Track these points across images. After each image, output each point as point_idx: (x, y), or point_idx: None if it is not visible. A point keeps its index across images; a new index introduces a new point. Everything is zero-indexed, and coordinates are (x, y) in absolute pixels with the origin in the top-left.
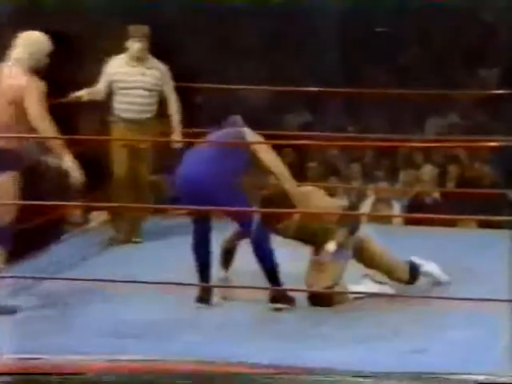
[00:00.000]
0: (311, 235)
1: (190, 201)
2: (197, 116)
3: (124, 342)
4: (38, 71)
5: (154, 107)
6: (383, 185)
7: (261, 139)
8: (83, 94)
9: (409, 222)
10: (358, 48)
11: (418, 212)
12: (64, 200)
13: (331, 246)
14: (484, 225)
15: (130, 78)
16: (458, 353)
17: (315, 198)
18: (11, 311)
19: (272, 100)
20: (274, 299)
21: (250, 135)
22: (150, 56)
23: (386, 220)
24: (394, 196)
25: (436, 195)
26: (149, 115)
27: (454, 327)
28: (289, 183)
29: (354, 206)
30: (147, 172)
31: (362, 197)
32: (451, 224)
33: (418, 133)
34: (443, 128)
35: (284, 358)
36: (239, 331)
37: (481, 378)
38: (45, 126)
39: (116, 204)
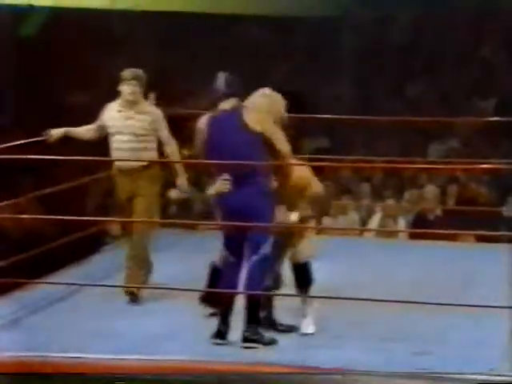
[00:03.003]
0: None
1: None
2: None
3: None
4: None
5: (150, 154)
6: (390, 202)
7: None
8: (55, 133)
9: (413, 236)
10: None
11: (422, 227)
12: None
13: (293, 217)
14: (481, 239)
15: (118, 123)
16: (461, 353)
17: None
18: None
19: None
20: (247, 339)
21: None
22: (143, 100)
23: (393, 234)
24: (400, 212)
25: (438, 212)
26: (143, 163)
27: (457, 329)
28: (283, 148)
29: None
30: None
31: (370, 213)
32: (451, 238)
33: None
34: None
35: (296, 358)
36: None
37: (481, 378)
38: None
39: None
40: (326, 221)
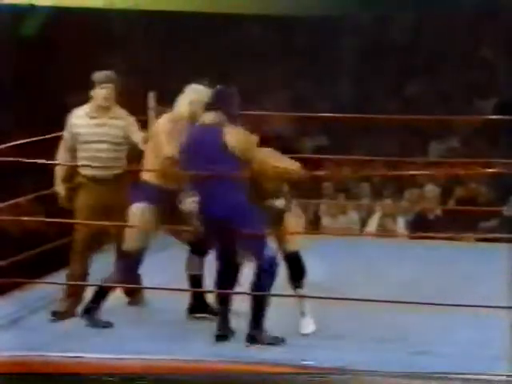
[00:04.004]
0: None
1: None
2: None
3: None
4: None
5: (123, 162)
6: (389, 202)
7: (239, 135)
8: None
9: (413, 236)
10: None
11: (422, 227)
12: None
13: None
14: (481, 239)
15: (91, 130)
16: (461, 353)
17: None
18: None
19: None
20: (252, 338)
21: (230, 132)
22: (116, 105)
23: (392, 234)
24: (399, 212)
25: (438, 212)
26: (117, 171)
27: (457, 329)
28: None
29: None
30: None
31: (370, 212)
32: (451, 238)
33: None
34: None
35: (296, 357)
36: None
37: (481, 378)
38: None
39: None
40: (326, 220)
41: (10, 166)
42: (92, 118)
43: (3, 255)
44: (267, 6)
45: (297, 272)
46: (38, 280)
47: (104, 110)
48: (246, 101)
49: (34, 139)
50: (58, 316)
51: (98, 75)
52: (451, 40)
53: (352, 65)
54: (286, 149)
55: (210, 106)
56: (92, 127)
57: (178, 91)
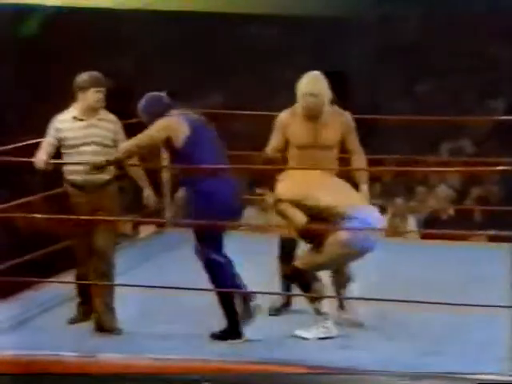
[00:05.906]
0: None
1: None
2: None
3: None
4: None
5: (112, 168)
6: (399, 202)
7: None
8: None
9: (424, 236)
10: None
11: (434, 227)
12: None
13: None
14: (493, 239)
15: (78, 132)
16: (467, 353)
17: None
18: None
19: None
20: (218, 336)
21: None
22: (103, 108)
23: (402, 234)
24: (411, 212)
25: (451, 212)
26: (107, 177)
27: (466, 330)
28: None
29: None
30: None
31: (382, 213)
32: (463, 238)
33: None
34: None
35: (304, 357)
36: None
37: (482, 377)
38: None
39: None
40: None
41: (16, 166)
42: (79, 120)
43: (12, 255)
44: (277, 6)
45: (300, 286)
46: (47, 279)
47: (93, 111)
48: (253, 101)
49: (38, 140)
50: (75, 322)
51: (93, 78)
52: (462, 39)
53: (362, 65)
54: None
55: (170, 108)
56: (79, 129)
57: (181, 92)
